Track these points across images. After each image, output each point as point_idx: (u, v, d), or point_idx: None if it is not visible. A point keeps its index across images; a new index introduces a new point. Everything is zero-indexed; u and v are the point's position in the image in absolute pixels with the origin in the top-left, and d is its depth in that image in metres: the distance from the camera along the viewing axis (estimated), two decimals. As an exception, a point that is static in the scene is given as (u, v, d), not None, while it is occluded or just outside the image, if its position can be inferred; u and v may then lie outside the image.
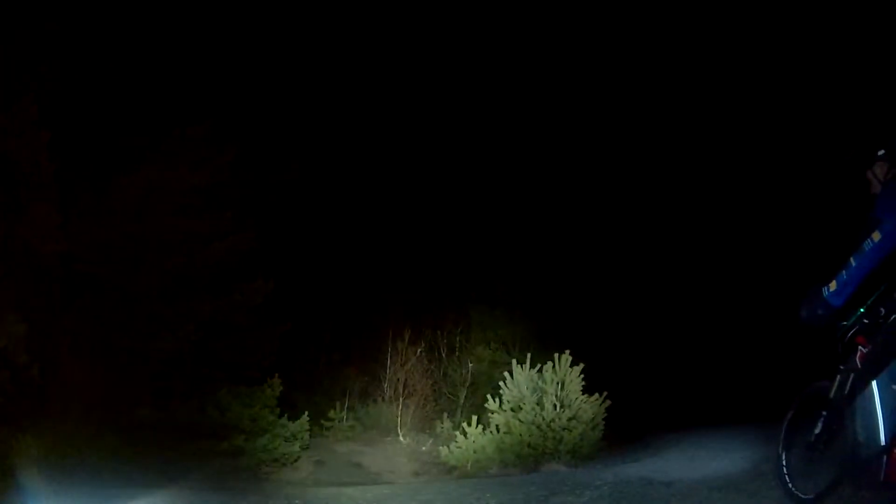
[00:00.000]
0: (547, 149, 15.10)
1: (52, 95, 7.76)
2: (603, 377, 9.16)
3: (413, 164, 14.36)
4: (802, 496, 4.05)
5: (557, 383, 8.65)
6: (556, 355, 8.79)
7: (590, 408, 8.57)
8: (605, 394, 8.70)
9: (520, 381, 8.82)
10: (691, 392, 11.72)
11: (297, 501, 6.70)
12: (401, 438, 10.77)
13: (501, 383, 8.94)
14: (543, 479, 7.44)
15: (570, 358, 8.71)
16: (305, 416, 9.51)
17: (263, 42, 11.88)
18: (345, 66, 14.13)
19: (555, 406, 8.57)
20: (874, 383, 3.60)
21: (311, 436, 9.75)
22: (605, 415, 8.74)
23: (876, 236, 3.57)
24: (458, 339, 12.54)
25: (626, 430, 10.15)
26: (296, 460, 9.28)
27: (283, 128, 11.84)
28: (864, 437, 3.58)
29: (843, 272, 3.73)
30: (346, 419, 10.99)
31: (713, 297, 12.85)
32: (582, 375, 8.66)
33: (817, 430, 4.01)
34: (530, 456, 8.57)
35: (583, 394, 8.62)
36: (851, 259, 3.69)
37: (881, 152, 3.89)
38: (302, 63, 13.06)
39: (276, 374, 9.50)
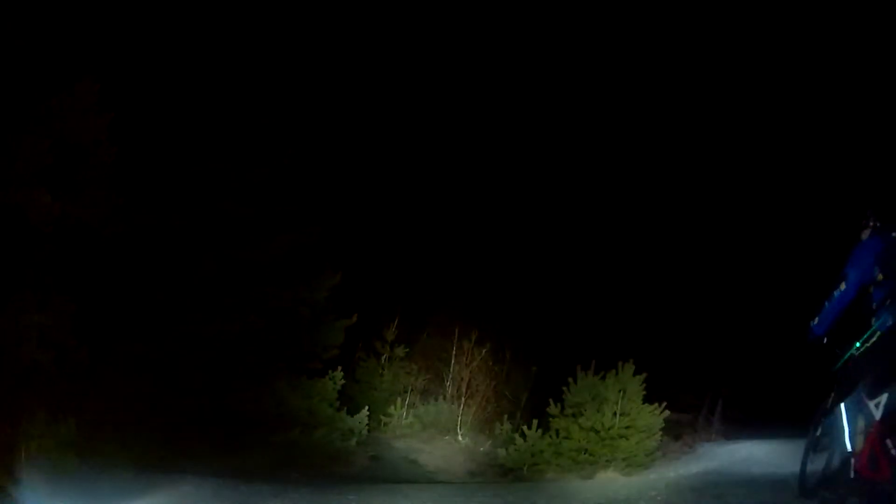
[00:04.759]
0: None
1: (117, 76, 7.77)
2: (663, 385, 8.96)
3: (491, 166, 14.39)
4: (807, 486, 5.15)
5: (620, 391, 8.50)
6: (620, 363, 8.69)
7: (648, 416, 8.37)
8: (664, 403, 8.48)
9: (582, 386, 8.77)
10: (742, 404, 11.52)
11: (351, 496, 6.70)
12: (459, 438, 10.75)
13: (563, 388, 8.88)
14: (599, 487, 7.46)
15: (634, 367, 8.61)
16: (365, 411, 9.53)
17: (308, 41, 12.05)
18: (347, 68, 14.20)
19: (615, 413, 8.39)
20: (842, 402, 4.59)
21: (368, 431, 9.78)
22: (663, 424, 8.54)
23: (843, 286, 4.61)
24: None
25: (679, 440, 10.09)
26: (352, 455, 9.31)
27: (351, 123, 12.00)
28: (836, 443, 4.57)
29: (822, 311, 4.77)
30: (406, 416, 11.00)
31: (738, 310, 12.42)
32: (644, 384, 8.49)
33: (817, 434, 5.13)
34: (587, 462, 8.44)
35: (643, 402, 8.44)
36: (826, 302, 4.73)
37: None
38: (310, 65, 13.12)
39: (339, 367, 9.55)
